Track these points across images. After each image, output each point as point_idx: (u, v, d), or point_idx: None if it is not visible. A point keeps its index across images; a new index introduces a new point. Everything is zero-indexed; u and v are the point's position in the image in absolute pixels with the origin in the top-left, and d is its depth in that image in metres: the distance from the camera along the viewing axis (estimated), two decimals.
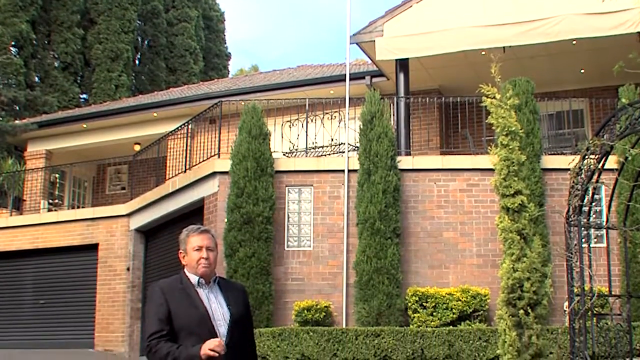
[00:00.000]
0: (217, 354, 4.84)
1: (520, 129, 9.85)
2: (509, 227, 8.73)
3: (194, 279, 5.24)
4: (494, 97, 9.27)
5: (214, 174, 17.33)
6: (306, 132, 18.27)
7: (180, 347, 4.95)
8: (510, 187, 8.98)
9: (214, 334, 5.02)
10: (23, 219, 24.47)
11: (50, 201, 27.09)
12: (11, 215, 25.33)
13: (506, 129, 9.32)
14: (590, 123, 20.97)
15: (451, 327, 14.93)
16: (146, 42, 47.84)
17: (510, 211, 8.89)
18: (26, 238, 23.58)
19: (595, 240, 15.34)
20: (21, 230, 23.72)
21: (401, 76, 19.40)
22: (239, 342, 5.17)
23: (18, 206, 26.59)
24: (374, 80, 21.71)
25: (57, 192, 28.20)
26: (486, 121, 9.76)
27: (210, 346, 4.83)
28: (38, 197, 26.56)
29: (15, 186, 26.39)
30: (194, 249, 5.27)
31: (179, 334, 5.03)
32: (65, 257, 23.12)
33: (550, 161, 16.65)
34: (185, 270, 5.33)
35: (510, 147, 9.25)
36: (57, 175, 28.06)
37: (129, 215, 21.90)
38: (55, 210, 26.06)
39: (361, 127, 16.55)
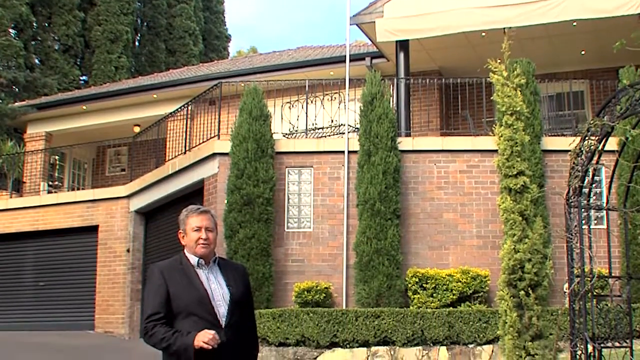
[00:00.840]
0: (210, 347, 4.83)
1: (526, 109, 9.82)
2: (511, 208, 8.72)
3: (193, 259, 5.22)
4: (501, 74, 9.23)
5: (213, 155, 17.32)
6: (306, 113, 18.24)
7: (175, 333, 4.94)
8: (513, 167, 8.96)
9: (213, 315, 5.01)
10: (23, 201, 24.49)
11: (50, 183, 27.10)
12: (11, 197, 25.34)
13: (511, 109, 9.28)
14: (591, 105, 20.93)
15: (451, 308, 14.95)
16: (145, 24, 47.68)
17: (513, 192, 8.87)
18: (26, 220, 23.59)
19: (596, 222, 15.34)
20: (21, 212, 23.73)
21: (401, 57, 19.36)
22: (239, 323, 5.16)
23: (18, 188, 26.60)
24: (374, 61, 21.67)
25: (56, 174, 28.24)
26: (492, 98, 9.72)
27: (204, 339, 4.81)
28: (38, 179, 26.56)
29: (15, 168, 26.37)
30: (193, 229, 5.26)
31: (178, 315, 5.03)
32: (65, 239, 23.15)
33: (550, 142, 16.64)
34: (185, 250, 5.31)
35: (515, 127, 9.22)
36: (56, 157, 28.06)
37: (128, 196, 21.91)
38: (55, 192, 26.07)
39: (361, 108, 16.52)
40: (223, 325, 5.04)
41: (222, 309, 5.09)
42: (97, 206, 22.50)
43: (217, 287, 5.18)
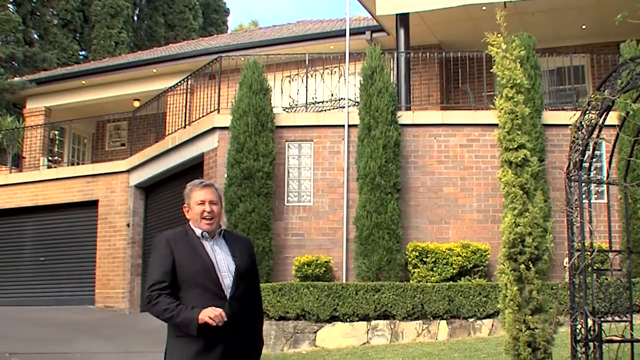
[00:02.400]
0: (214, 324, 4.82)
1: (528, 82, 9.77)
2: (512, 181, 8.67)
3: (198, 231, 5.20)
4: (500, 47, 9.17)
5: (213, 129, 17.29)
6: (306, 87, 18.21)
7: (179, 305, 4.92)
8: (514, 140, 8.90)
9: (218, 286, 5.00)
10: (23, 176, 24.48)
11: (50, 158, 27.07)
12: (11, 172, 25.31)
13: (511, 81, 9.22)
14: (592, 79, 20.87)
15: (451, 282, 14.98)
16: None
17: (513, 165, 8.83)
18: (26, 195, 23.60)
19: (596, 196, 15.33)
20: (21, 188, 23.73)
21: (401, 31, 19.29)
22: (243, 294, 5.14)
23: (17, 163, 26.57)
24: (374, 35, 21.63)
25: (56, 149, 28.22)
26: (491, 71, 9.67)
27: (210, 314, 4.79)
28: (37, 154, 26.53)
29: (14, 143, 26.33)
30: (197, 203, 5.23)
31: (182, 285, 5.01)
32: (65, 214, 23.17)
33: (550, 117, 16.61)
34: (189, 223, 5.30)
35: (515, 100, 9.16)
36: (56, 132, 28.05)
37: (128, 171, 21.90)
38: (55, 167, 26.04)
39: (362, 82, 16.49)
40: (228, 297, 5.02)
41: (227, 280, 5.07)
42: (96, 181, 22.50)
43: (223, 258, 5.16)
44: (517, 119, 9.10)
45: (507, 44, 9.26)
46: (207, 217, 5.20)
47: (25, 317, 19.07)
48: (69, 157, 28.56)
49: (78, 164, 27.77)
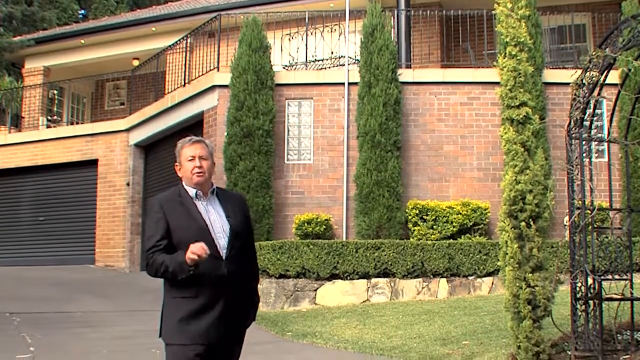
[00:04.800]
0: (199, 257, 4.78)
1: (530, 40, 9.71)
2: (513, 139, 8.64)
3: (191, 191, 5.16)
4: (505, 5, 9.11)
5: (213, 87, 17.24)
6: (306, 45, 18.13)
7: (170, 256, 4.92)
8: (516, 98, 8.87)
9: (213, 247, 4.95)
10: (22, 135, 24.46)
11: (49, 118, 27.00)
12: (10, 132, 25.28)
13: (515, 40, 9.17)
14: (592, 38, 20.75)
15: (451, 240, 15.01)
16: None
17: (515, 122, 8.79)
18: (25, 155, 23.58)
19: (597, 155, 15.31)
20: (20, 147, 23.72)
21: None
22: (239, 254, 5.12)
23: (17, 123, 26.52)
24: None
25: (55, 109, 28.13)
26: (495, 29, 9.62)
27: (193, 250, 4.74)
28: (37, 113, 26.44)
29: (13, 103, 26.26)
30: (187, 159, 5.17)
31: (178, 247, 4.97)
32: (64, 174, 23.16)
33: (551, 75, 16.55)
34: (182, 183, 5.26)
35: (518, 58, 9.12)
36: (55, 92, 27.96)
37: (128, 130, 21.87)
38: (54, 126, 26.00)
39: (362, 39, 16.43)
40: (224, 257, 5.01)
41: (222, 240, 5.05)
42: (96, 140, 22.47)
43: (217, 218, 5.12)
44: (520, 77, 9.07)
45: (513, 2, 9.21)
46: (198, 173, 5.16)
47: (25, 277, 19.11)
48: (68, 116, 28.47)
49: (77, 123, 27.69)
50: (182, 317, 4.94)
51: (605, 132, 14.63)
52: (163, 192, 5.37)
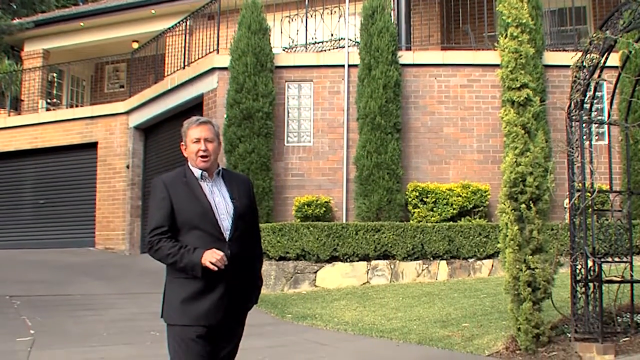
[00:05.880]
0: (216, 268, 4.80)
1: (532, 22, 9.70)
2: (514, 121, 8.64)
3: (197, 172, 5.13)
4: None
5: (212, 69, 17.21)
6: (306, 27, 18.08)
7: (181, 249, 4.89)
8: (517, 80, 8.87)
9: (217, 228, 4.95)
10: (21, 119, 24.44)
11: (49, 101, 26.98)
12: (9, 115, 25.24)
13: (517, 21, 9.17)
14: (593, 21, 20.71)
15: (451, 222, 15.02)
16: None
17: (516, 104, 8.80)
18: (25, 138, 23.57)
19: (597, 137, 15.30)
20: (20, 131, 23.70)
21: None
22: (243, 236, 5.10)
23: (16, 106, 26.48)
24: None
25: (55, 92, 28.10)
26: (497, 9, 9.61)
27: (211, 259, 4.76)
28: (36, 96, 26.41)
29: (12, 86, 26.21)
30: (193, 141, 5.14)
31: (182, 228, 4.97)
32: (64, 156, 23.15)
33: (551, 57, 16.51)
34: (188, 163, 5.25)
35: (520, 39, 9.11)
36: (55, 75, 27.94)
37: (127, 112, 21.85)
38: (54, 109, 25.98)
39: (362, 21, 16.39)
40: (227, 239, 4.98)
41: (226, 222, 5.02)
42: (96, 123, 22.46)
43: (221, 200, 5.10)
44: (521, 58, 9.07)
45: None
46: (202, 155, 5.14)
47: (25, 260, 19.14)
48: (68, 99, 28.42)
49: (77, 106, 27.66)
50: (184, 298, 4.93)
51: (606, 114, 14.61)
52: (168, 172, 5.36)
